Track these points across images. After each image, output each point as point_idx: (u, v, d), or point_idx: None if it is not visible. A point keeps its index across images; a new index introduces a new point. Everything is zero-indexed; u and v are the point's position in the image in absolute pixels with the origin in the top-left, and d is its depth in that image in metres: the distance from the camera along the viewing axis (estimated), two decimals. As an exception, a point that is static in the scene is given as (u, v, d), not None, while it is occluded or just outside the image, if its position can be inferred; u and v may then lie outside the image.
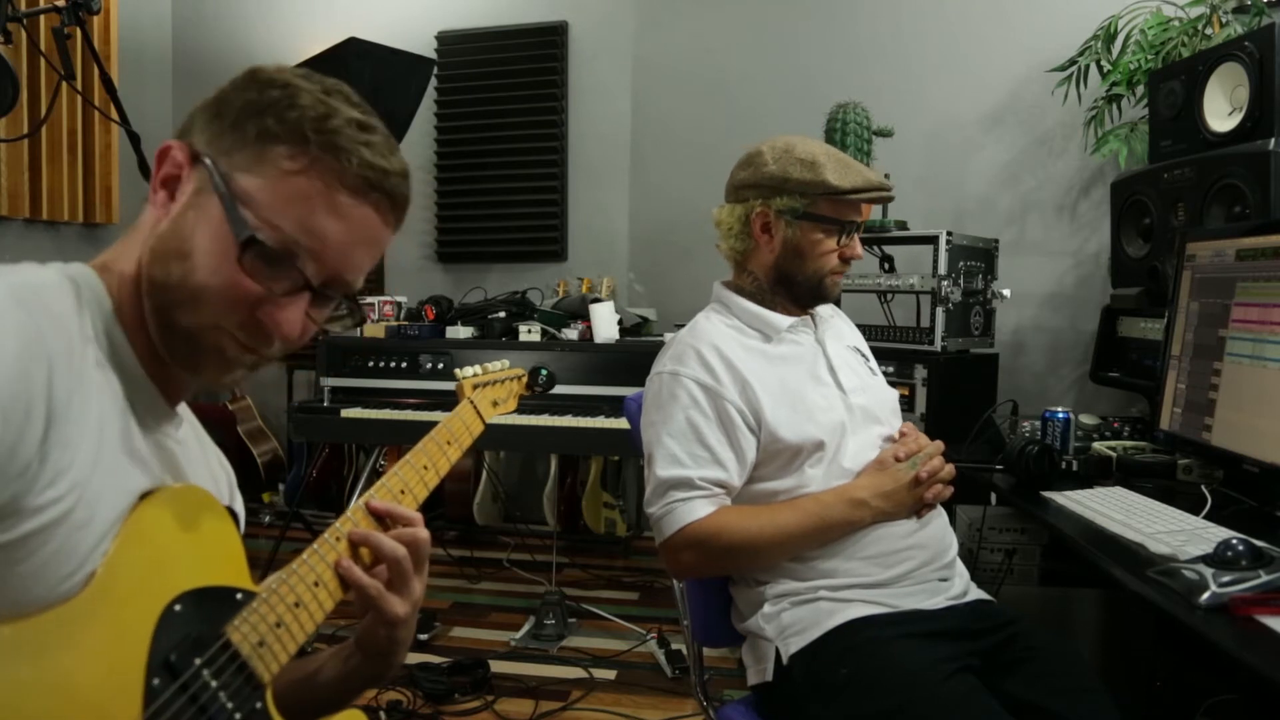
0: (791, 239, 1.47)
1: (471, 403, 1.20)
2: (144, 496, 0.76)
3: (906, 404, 2.45)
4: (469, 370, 1.25)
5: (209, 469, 0.92)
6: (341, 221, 0.77)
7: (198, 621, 0.75)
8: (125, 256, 0.79)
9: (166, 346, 0.78)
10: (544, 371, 1.42)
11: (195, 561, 0.78)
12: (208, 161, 0.76)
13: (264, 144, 0.76)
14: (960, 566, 1.46)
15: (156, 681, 0.70)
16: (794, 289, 1.51)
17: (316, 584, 0.86)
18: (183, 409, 0.87)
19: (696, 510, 1.36)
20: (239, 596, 0.80)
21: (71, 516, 0.68)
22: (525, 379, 1.38)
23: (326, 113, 0.77)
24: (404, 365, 3.04)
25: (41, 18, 2.82)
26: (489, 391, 1.26)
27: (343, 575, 0.87)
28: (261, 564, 2.81)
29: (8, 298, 0.68)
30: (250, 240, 0.74)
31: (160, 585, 0.74)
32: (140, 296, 0.78)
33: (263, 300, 0.76)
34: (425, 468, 1.04)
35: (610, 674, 2.60)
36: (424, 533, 0.93)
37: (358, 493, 3.50)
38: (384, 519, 0.93)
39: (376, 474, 3.29)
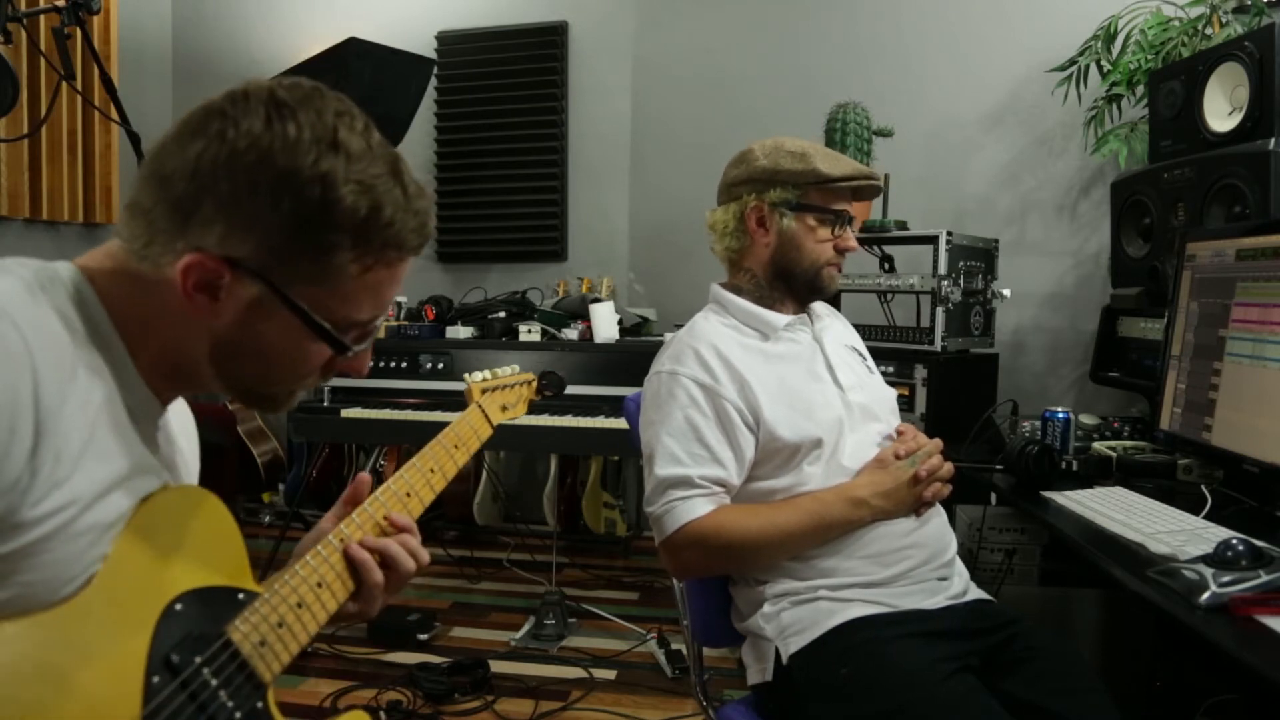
0: (787, 230, 1.48)
1: (480, 407, 1.20)
2: (146, 497, 0.76)
3: (906, 404, 2.45)
4: (478, 375, 1.25)
5: (184, 454, 0.91)
6: (400, 279, 0.81)
7: (199, 620, 0.75)
8: (119, 262, 0.77)
9: (242, 399, 0.84)
10: (553, 376, 1.42)
11: (197, 561, 0.78)
12: (280, 290, 0.74)
13: (327, 256, 0.74)
14: (960, 566, 1.46)
15: (156, 679, 0.70)
16: (791, 282, 1.51)
17: (320, 585, 0.86)
18: None
19: (696, 509, 1.36)
20: (240, 596, 0.81)
21: (72, 526, 0.68)
22: (535, 384, 1.38)
23: (374, 202, 0.74)
24: (404, 365, 3.05)
25: (41, 18, 2.82)
26: (498, 396, 1.26)
27: (356, 563, 0.89)
28: (261, 564, 2.81)
29: None
30: (346, 349, 0.80)
31: (162, 584, 0.75)
32: (134, 302, 0.76)
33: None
34: (432, 471, 1.04)
35: (610, 674, 2.60)
36: (425, 556, 0.96)
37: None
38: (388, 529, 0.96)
39: (376, 474, 3.29)
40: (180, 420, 0.90)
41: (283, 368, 0.80)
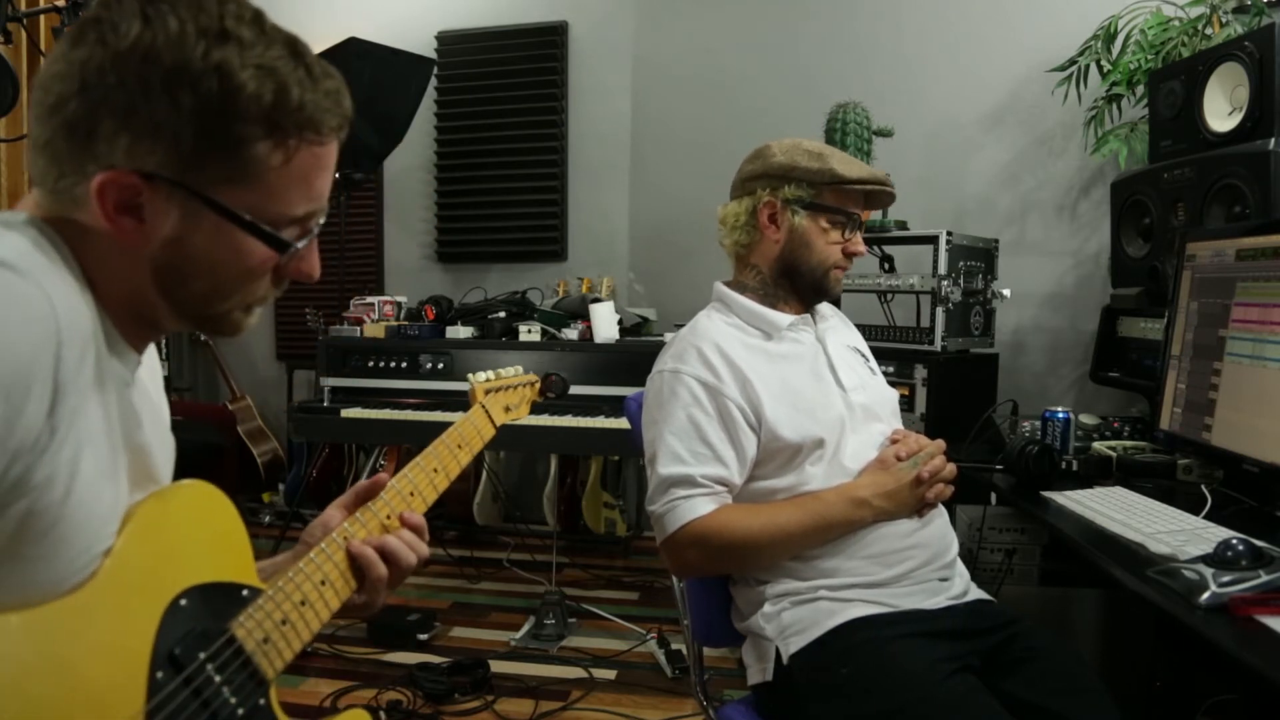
0: (798, 228, 1.48)
1: (483, 407, 1.20)
2: (152, 492, 0.76)
3: (906, 404, 2.45)
4: (482, 375, 1.25)
5: (155, 404, 0.88)
6: (328, 166, 0.78)
7: (203, 616, 0.76)
8: (47, 209, 0.73)
9: (197, 326, 0.80)
10: (557, 377, 1.42)
11: (202, 557, 0.79)
12: (201, 194, 0.71)
13: (242, 150, 0.70)
14: (960, 566, 1.46)
15: (160, 674, 0.70)
16: (797, 281, 1.51)
17: (323, 583, 0.87)
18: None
19: (698, 508, 1.36)
20: (245, 593, 0.81)
21: (74, 493, 0.67)
22: (538, 385, 1.38)
23: (279, 85, 0.70)
24: (404, 365, 3.05)
25: (41, 18, 2.82)
26: (501, 396, 1.26)
27: (360, 559, 0.90)
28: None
29: (16, 273, 0.65)
30: (286, 246, 0.76)
31: (167, 579, 0.75)
32: (88, 249, 0.73)
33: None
34: (435, 470, 1.05)
35: (610, 674, 2.60)
36: (425, 549, 0.97)
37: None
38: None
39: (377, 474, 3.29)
40: (148, 367, 0.86)
41: (228, 279, 0.76)
